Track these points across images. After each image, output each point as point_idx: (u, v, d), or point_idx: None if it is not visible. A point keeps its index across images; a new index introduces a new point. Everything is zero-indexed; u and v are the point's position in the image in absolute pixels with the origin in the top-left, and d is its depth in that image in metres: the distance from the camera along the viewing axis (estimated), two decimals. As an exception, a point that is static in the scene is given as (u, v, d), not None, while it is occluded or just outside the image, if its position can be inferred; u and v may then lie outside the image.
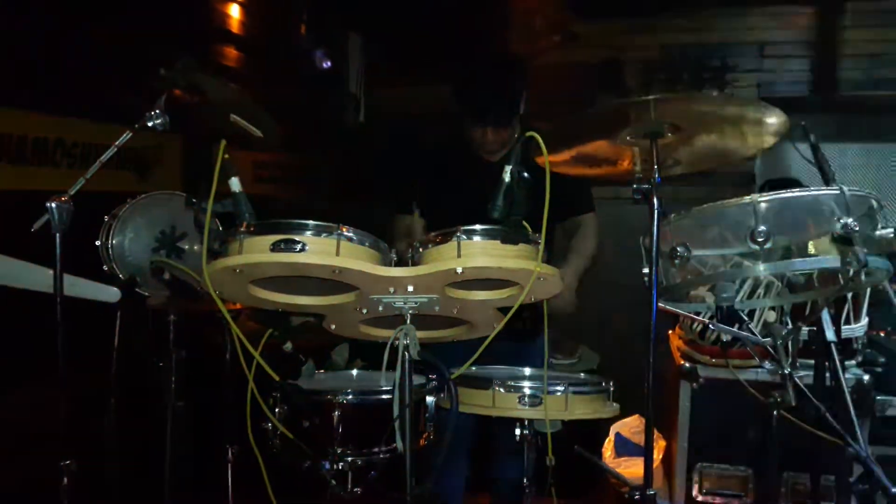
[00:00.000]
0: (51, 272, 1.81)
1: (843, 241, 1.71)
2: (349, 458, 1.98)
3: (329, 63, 4.95)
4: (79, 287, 1.97)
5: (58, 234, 1.79)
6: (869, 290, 2.59)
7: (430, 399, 2.12)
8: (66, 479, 1.85)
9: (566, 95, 4.91)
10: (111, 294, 2.10)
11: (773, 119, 1.75)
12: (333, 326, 1.88)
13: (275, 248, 1.51)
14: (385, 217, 2.81)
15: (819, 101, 4.75)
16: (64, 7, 3.01)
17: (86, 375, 1.96)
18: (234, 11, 4.39)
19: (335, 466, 1.96)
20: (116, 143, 1.92)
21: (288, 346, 1.98)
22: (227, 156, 1.62)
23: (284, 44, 4.91)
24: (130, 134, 1.94)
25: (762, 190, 2.04)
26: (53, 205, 1.77)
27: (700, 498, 2.82)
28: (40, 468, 1.96)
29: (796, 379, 2.02)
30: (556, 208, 2.71)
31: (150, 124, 1.96)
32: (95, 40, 3.14)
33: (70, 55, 3.03)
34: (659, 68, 5.03)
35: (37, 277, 1.90)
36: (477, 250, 1.58)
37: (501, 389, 1.99)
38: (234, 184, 1.64)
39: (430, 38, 4.75)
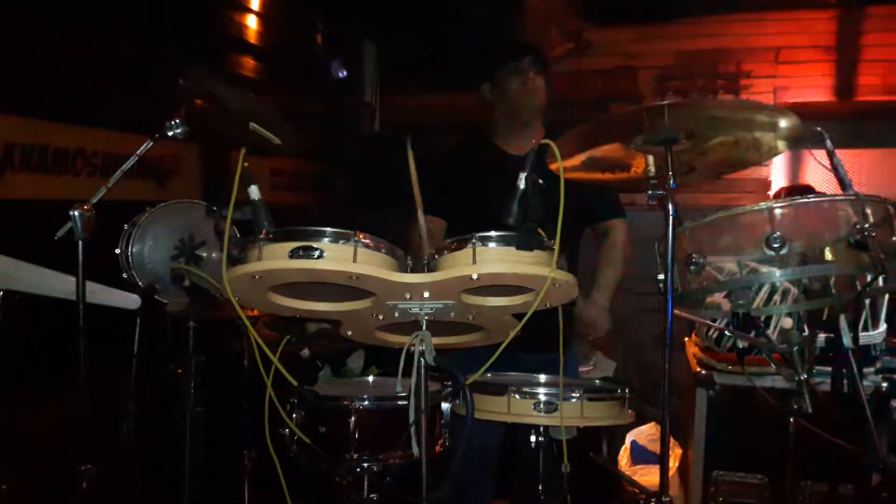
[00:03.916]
0: (73, 279, 1.83)
1: (860, 246, 1.71)
2: (365, 464, 2.00)
3: (345, 72, 4.99)
4: (100, 294, 2.00)
5: (80, 242, 1.82)
6: (887, 296, 2.57)
7: (445, 405, 2.13)
8: (85, 484, 1.87)
9: (580, 103, 4.95)
10: (131, 301, 2.13)
11: (786, 123, 1.75)
12: (350, 333, 1.89)
13: (293, 254, 1.53)
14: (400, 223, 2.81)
15: (836, 107, 4.72)
16: (83, 17, 3.06)
17: (106, 381, 1.99)
18: (252, 22, 4.44)
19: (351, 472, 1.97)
20: (138, 151, 1.95)
21: (305, 352, 2.00)
22: (247, 164, 1.64)
23: (301, 54, 4.96)
24: (151, 143, 1.97)
25: (776, 197, 2.03)
26: (76, 213, 1.80)
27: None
28: (60, 472, 1.98)
29: (813, 386, 2.01)
30: (579, 215, 2.70)
31: (170, 133, 1.98)
32: (114, 50, 3.19)
33: (89, 65, 3.08)
34: (673, 75, 5.05)
35: (59, 285, 1.93)
36: (492, 256, 1.59)
37: (517, 396, 1.99)
38: (254, 192, 1.66)
39: (444, 48, 4.77)
